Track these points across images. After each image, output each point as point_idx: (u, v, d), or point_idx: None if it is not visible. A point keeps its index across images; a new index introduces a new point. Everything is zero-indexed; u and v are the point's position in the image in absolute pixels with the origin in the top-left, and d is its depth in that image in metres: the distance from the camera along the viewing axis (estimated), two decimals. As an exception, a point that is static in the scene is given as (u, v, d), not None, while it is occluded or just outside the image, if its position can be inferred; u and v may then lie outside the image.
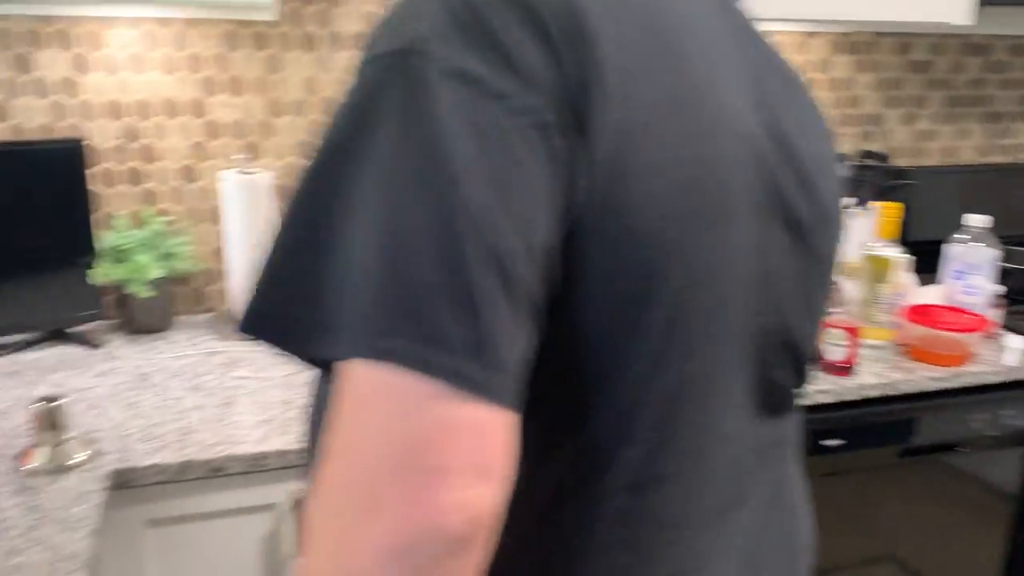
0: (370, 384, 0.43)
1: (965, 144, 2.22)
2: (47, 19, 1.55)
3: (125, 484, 1.17)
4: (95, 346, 1.58)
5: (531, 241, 0.46)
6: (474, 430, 0.43)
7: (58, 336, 1.60)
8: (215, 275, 1.76)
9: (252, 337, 0.50)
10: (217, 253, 1.75)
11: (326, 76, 1.72)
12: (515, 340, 0.45)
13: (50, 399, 1.17)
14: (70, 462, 1.16)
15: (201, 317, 1.74)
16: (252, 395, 1.40)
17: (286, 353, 0.49)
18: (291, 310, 0.48)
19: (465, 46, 0.46)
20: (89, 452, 1.18)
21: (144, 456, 1.19)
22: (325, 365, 0.49)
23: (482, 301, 0.43)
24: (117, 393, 1.39)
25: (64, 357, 1.54)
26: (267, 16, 1.64)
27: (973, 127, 2.22)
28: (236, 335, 1.61)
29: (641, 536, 0.55)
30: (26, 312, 1.55)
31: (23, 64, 1.56)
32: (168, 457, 1.19)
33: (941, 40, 2.11)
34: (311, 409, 0.61)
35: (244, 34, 1.65)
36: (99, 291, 1.59)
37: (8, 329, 1.55)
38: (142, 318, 1.64)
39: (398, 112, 0.46)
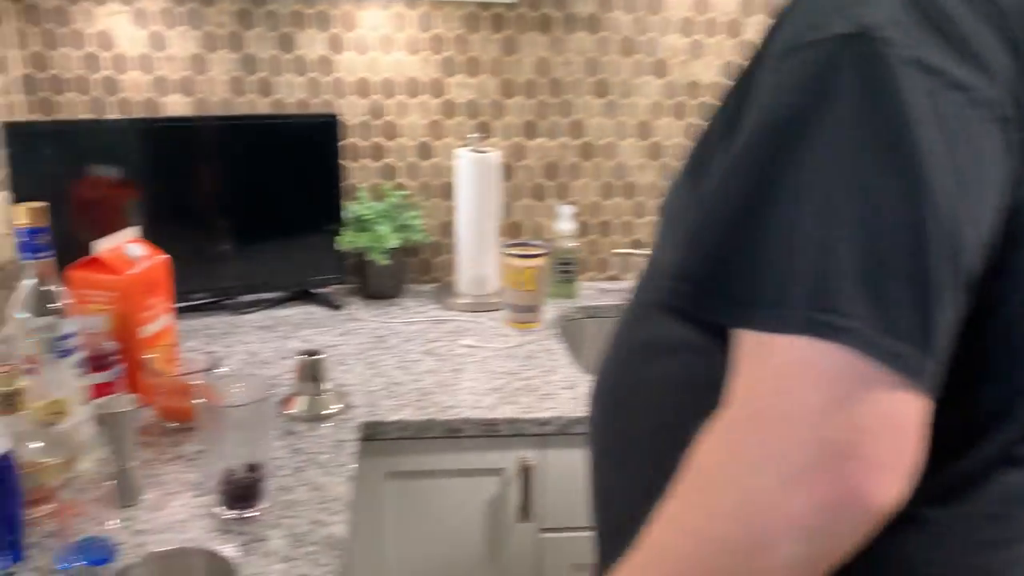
0: (807, 360, 0.44)
1: None
2: (310, 2, 1.67)
3: (371, 436, 1.25)
4: (336, 307, 1.70)
5: (980, 234, 0.45)
6: (905, 421, 0.43)
7: (304, 296, 1.74)
8: (441, 248, 1.85)
9: (676, 300, 0.52)
10: (444, 227, 1.83)
11: (558, 58, 1.75)
12: (949, 332, 0.45)
13: (311, 353, 1.27)
14: (325, 412, 1.26)
15: (427, 287, 1.84)
16: (480, 364, 1.46)
17: (699, 317, 0.51)
18: (718, 279, 0.49)
19: (924, 36, 0.45)
20: (341, 404, 1.29)
21: (389, 412, 1.28)
22: (718, 335, 0.50)
23: (937, 292, 0.43)
24: (360, 352, 1.49)
25: (310, 315, 1.67)
26: (507, -1, 1.70)
27: None
28: (458, 306, 1.69)
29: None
30: (279, 272, 1.70)
31: (286, 43, 1.69)
32: (410, 415, 1.27)
33: None
34: (618, 390, 0.63)
35: (484, 16, 1.71)
36: (342, 257, 1.71)
37: (263, 287, 1.70)
38: (376, 284, 1.75)
39: (856, 95, 0.45)
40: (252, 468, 1.01)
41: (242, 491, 1.00)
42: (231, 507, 1.01)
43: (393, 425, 1.26)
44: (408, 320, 1.65)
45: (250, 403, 0.99)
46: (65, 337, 1.05)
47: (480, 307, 1.71)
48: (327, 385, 1.28)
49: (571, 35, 1.74)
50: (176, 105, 1.69)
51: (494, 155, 1.69)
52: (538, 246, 1.64)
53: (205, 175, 1.61)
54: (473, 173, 1.67)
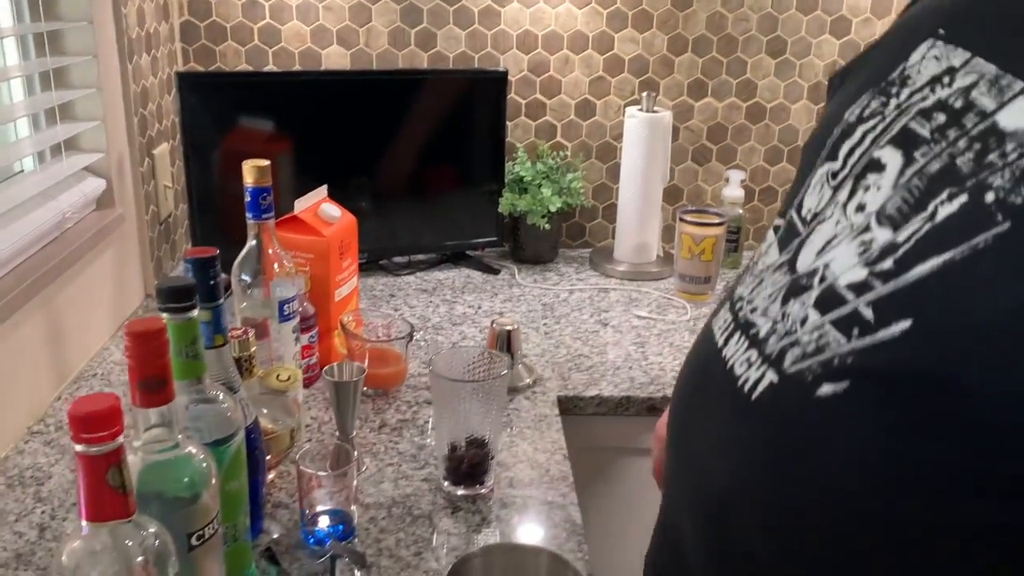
0: None
1: None
2: (477, -50, 1.60)
3: (568, 411, 1.20)
4: (495, 271, 1.65)
5: None
6: None
7: (460, 258, 1.68)
8: (596, 212, 1.78)
9: None
10: (599, 190, 1.76)
11: (733, 14, 1.65)
12: None
13: (505, 323, 1.22)
14: (520, 383, 1.21)
15: (581, 251, 1.77)
16: (661, 336, 1.39)
17: None
18: None
19: None
20: (534, 376, 1.23)
21: (583, 387, 1.22)
22: None
23: None
24: (531, 320, 1.44)
25: (469, 279, 1.62)
26: (683, -51, 1.59)
27: None
28: (618, 273, 1.62)
29: None
30: (435, 233, 1.64)
31: (451, -6, 1.62)
32: (607, 391, 1.22)
33: None
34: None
35: (657, -33, 1.62)
36: (500, 219, 1.65)
37: (417, 248, 1.65)
38: (533, 248, 1.69)
39: None
40: (476, 443, 0.96)
41: (471, 468, 0.96)
42: (458, 483, 0.96)
43: (590, 401, 1.21)
44: (570, 287, 1.59)
45: (489, 378, 0.94)
46: (288, 301, 1.01)
47: (640, 275, 1.64)
48: (520, 356, 1.23)
49: (749, -11, 1.64)
50: (335, 56, 1.64)
51: (666, 115, 1.60)
52: (716, 213, 1.55)
53: (365, 131, 1.56)
54: (643, 134, 1.59)
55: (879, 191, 0.61)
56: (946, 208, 0.56)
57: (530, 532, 0.91)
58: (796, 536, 0.57)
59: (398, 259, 1.66)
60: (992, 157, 0.55)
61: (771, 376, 0.62)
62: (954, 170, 0.57)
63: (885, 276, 0.57)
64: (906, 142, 0.61)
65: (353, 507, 0.88)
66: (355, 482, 0.88)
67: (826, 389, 0.57)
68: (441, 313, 1.46)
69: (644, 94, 1.60)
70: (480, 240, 1.67)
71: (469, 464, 0.96)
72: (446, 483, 0.97)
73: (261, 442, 0.85)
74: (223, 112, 1.46)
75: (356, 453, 0.96)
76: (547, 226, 1.62)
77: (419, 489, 0.97)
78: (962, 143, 0.58)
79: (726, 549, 0.65)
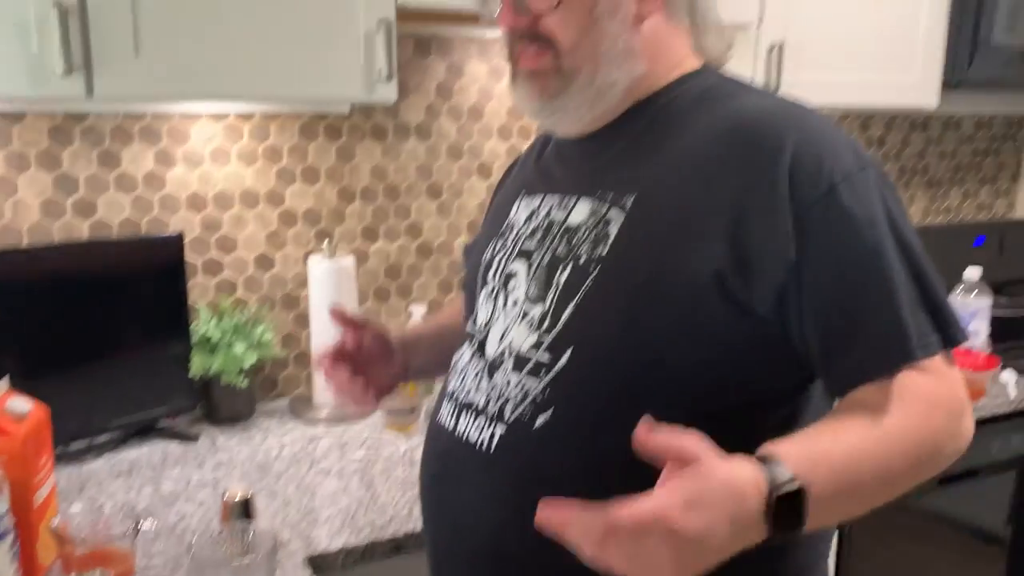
0: (950, 363, 0.78)
1: (912, 209, 2.54)
2: (135, 116, 1.56)
3: (321, 569, 1.18)
4: (191, 439, 1.56)
5: None
6: None
7: (149, 431, 1.57)
8: (287, 361, 1.78)
9: (928, 349, 0.77)
10: (288, 339, 1.77)
11: (393, 164, 1.80)
12: None
13: (237, 493, 1.17)
14: (261, 551, 1.16)
15: (278, 403, 1.75)
16: (384, 474, 1.43)
17: (925, 355, 0.76)
18: (928, 321, 0.77)
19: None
20: (272, 543, 1.19)
21: (327, 540, 1.21)
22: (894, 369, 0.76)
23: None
24: (251, 484, 1.39)
25: (167, 452, 1.51)
26: (340, 109, 1.72)
27: (917, 193, 2.54)
28: (322, 420, 1.63)
29: None
30: (118, 409, 1.52)
31: (110, 160, 1.56)
32: (351, 540, 1.22)
33: (891, 119, 2.43)
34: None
35: (319, 126, 1.72)
36: (190, 383, 1.58)
37: (102, 428, 1.51)
38: (228, 407, 1.63)
39: (898, 201, 0.81)
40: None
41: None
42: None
43: (338, 554, 1.20)
44: (279, 442, 1.56)
45: (256, 559, 0.91)
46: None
47: (344, 417, 1.67)
48: (254, 523, 1.18)
49: (403, 142, 1.80)
50: (-25, 233, 1.47)
51: (348, 260, 1.68)
52: (411, 348, 1.64)
53: (32, 311, 1.42)
54: (329, 280, 1.65)
55: (519, 288, 0.91)
56: (563, 276, 0.86)
57: None
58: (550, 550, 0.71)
59: (77, 444, 1.50)
60: (575, 240, 0.87)
61: (500, 430, 0.86)
62: (557, 257, 0.88)
63: (547, 331, 0.85)
64: (524, 254, 0.92)
65: None
66: None
67: (540, 420, 0.83)
68: (147, 495, 1.35)
69: (325, 242, 1.67)
70: (169, 408, 1.58)
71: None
72: None
73: None
74: None
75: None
76: (244, 383, 1.59)
77: None
78: (555, 241, 0.89)
79: None
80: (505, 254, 0.95)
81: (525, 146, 1.93)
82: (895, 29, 1.89)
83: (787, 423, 0.83)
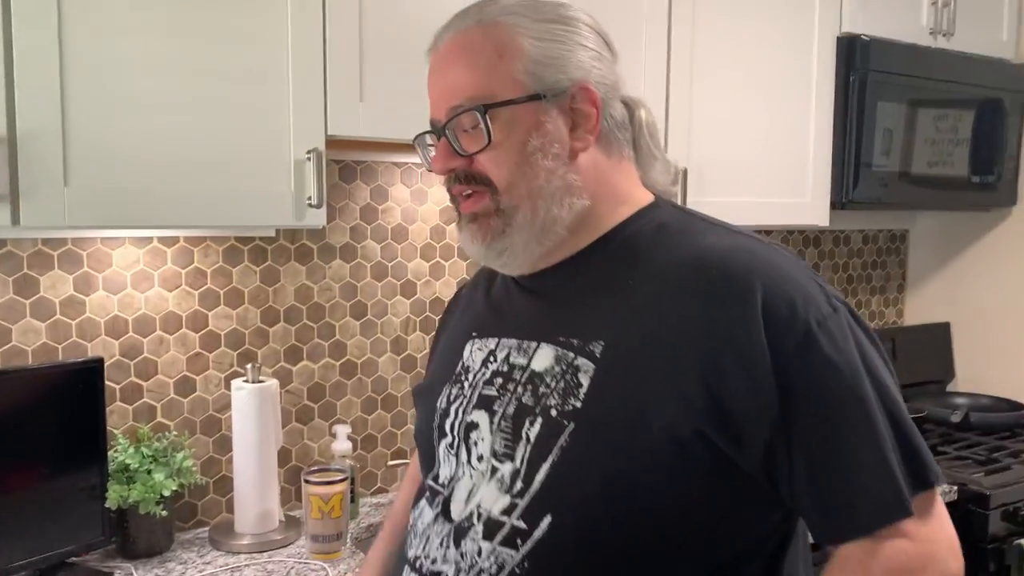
0: (933, 499, 0.79)
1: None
2: (55, 242, 1.55)
3: None
4: (105, 575, 1.49)
5: None
6: None
7: (59, 570, 1.49)
8: (207, 488, 1.73)
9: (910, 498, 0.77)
10: (208, 465, 1.73)
11: (318, 285, 1.82)
12: None
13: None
14: None
15: (198, 532, 1.69)
16: (312, 604, 1.39)
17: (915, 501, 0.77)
18: (911, 468, 0.78)
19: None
20: None
21: None
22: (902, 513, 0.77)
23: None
24: (174, 620, 1.33)
25: (79, 591, 1.44)
26: (266, 233, 1.74)
27: (815, 302, 2.69)
28: (244, 548, 1.58)
29: None
30: (27, 545, 1.44)
31: (28, 286, 1.53)
32: (281, 676, 1.18)
33: (787, 234, 2.60)
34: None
35: (244, 249, 1.73)
36: (105, 515, 1.52)
37: (6, 568, 1.43)
38: (145, 540, 1.57)
39: (870, 338, 0.82)
40: None
41: None
42: None
43: None
44: (200, 574, 1.51)
45: None
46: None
47: (267, 545, 1.62)
48: (180, 664, 1.14)
49: (328, 263, 1.83)
50: None
51: (272, 383, 1.67)
52: (338, 470, 1.63)
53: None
54: (253, 404, 1.63)
55: (483, 442, 0.87)
56: (533, 430, 0.83)
57: None
58: None
59: (-22, 587, 1.41)
60: (542, 389, 0.85)
61: None
62: (524, 406, 0.85)
63: (520, 493, 0.82)
64: (485, 403, 0.89)
65: None
66: None
67: None
68: (58, 639, 1.28)
69: (249, 365, 1.66)
70: (80, 543, 1.51)
71: None
72: None
73: None
74: None
75: None
76: (163, 513, 1.54)
77: None
78: (519, 389, 0.86)
79: None
80: (463, 402, 0.91)
81: (448, 264, 1.99)
82: (787, 157, 2.06)
83: (773, 565, 0.84)
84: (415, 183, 1.92)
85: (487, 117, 0.86)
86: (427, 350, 1.95)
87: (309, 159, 1.43)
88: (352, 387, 1.89)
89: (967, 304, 2.66)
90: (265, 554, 1.59)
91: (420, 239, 1.94)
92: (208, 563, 1.56)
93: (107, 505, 1.50)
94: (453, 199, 0.93)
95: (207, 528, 1.70)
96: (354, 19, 1.46)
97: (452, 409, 0.92)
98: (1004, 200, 2.49)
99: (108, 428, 1.59)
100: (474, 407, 0.90)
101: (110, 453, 1.55)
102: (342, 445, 1.78)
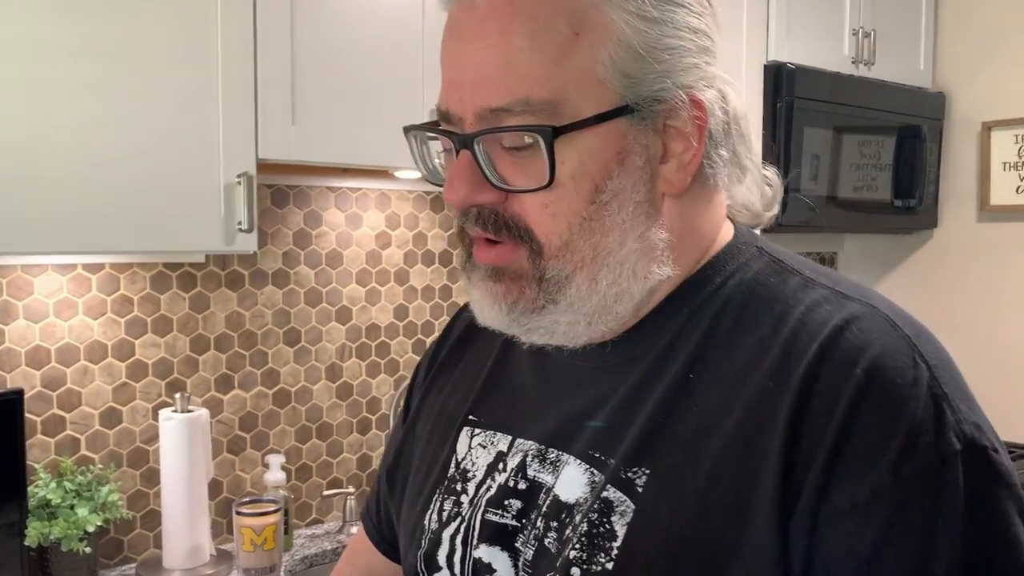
0: None
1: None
2: (-28, 269, 1.50)
3: None
4: (23, 617, 1.42)
5: None
6: None
7: (-27, 613, 1.42)
8: (134, 523, 1.67)
9: None
10: (135, 498, 1.67)
11: (249, 311, 1.79)
12: None
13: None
14: None
15: (124, 569, 1.63)
16: (243, 640, 1.35)
17: None
18: None
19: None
20: None
21: None
22: None
23: None
24: (96, 662, 1.28)
25: (-6, 635, 1.37)
26: (195, 258, 1.70)
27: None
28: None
29: None
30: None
31: (-61, 316, 1.47)
32: None
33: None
34: None
35: (172, 276, 1.69)
36: (24, 553, 1.45)
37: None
38: (67, 578, 1.51)
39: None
40: None
41: None
42: None
43: None
44: (125, 612, 1.45)
45: None
46: None
47: (197, 580, 1.57)
48: None
49: (261, 289, 1.80)
50: None
51: (203, 413, 1.62)
52: (271, 500, 1.59)
53: None
54: (182, 434, 1.58)
55: None
56: None
57: None
58: None
59: None
60: (568, 532, 0.60)
61: None
62: (545, 553, 0.62)
63: None
64: (500, 537, 0.64)
65: None
66: None
67: None
68: None
69: (178, 395, 1.61)
70: (-1, 585, 1.44)
71: None
72: None
73: None
74: None
75: None
76: (87, 550, 1.48)
77: None
78: (541, 524, 0.62)
79: None
80: (462, 527, 0.67)
81: (383, 289, 1.97)
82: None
83: None
84: (350, 207, 1.90)
85: (554, 145, 0.57)
86: (364, 376, 1.93)
87: (239, 183, 1.41)
88: (286, 416, 1.85)
89: (893, 324, 2.74)
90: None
91: (355, 264, 1.92)
92: (134, 601, 1.50)
93: (27, 543, 1.44)
94: (462, 237, 0.65)
95: (134, 565, 1.64)
96: (286, 39, 1.45)
97: (446, 536, 0.68)
98: (925, 223, 2.58)
99: (28, 462, 1.53)
100: (482, 540, 0.65)
101: (30, 488, 1.49)
102: (275, 475, 1.74)
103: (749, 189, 0.69)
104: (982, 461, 0.54)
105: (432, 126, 0.64)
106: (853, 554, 0.53)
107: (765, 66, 2.17)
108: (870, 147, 2.39)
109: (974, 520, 0.53)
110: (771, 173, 0.71)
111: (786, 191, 2.44)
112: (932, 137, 2.51)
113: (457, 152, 0.61)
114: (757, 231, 0.72)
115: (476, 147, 0.59)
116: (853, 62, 2.35)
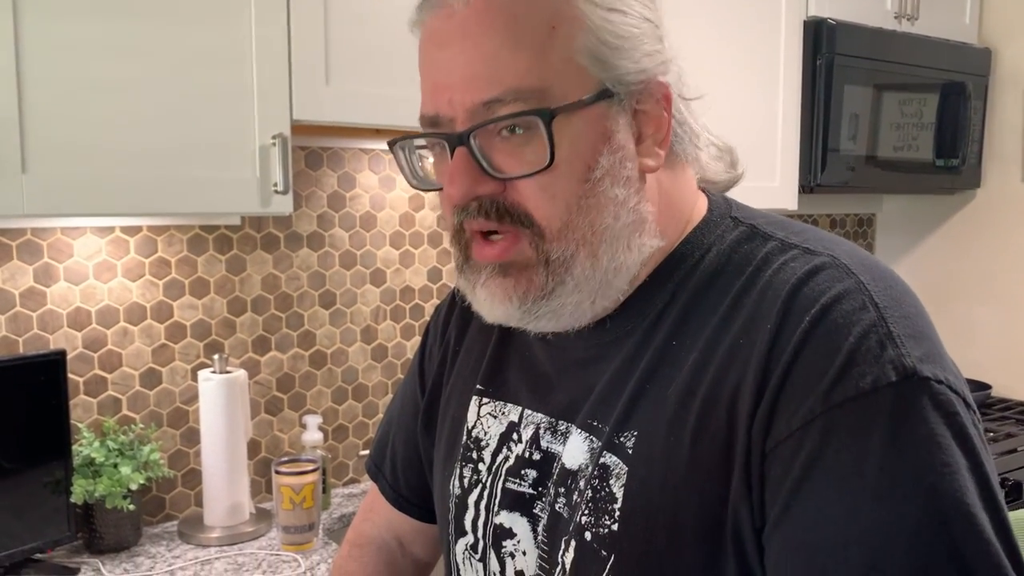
0: None
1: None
2: (14, 231, 1.51)
3: None
4: (71, 572, 1.46)
5: None
6: None
7: (23, 567, 1.46)
8: (175, 481, 1.70)
9: None
10: (175, 458, 1.70)
11: (285, 274, 1.80)
12: None
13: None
14: None
15: (166, 526, 1.66)
16: (284, 595, 1.38)
17: None
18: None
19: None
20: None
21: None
22: None
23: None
24: (143, 615, 1.31)
25: (44, 588, 1.41)
26: (231, 220, 1.71)
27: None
28: (214, 541, 1.56)
29: None
30: (-11, 544, 1.41)
31: (-16, 278, 1.49)
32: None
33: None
34: None
35: (208, 238, 1.70)
36: (71, 510, 1.49)
37: (-31, 566, 1.40)
38: (112, 535, 1.54)
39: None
40: None
41: None
42: None
43: None
44: (169, 568, 1.48)
45: None
46: None
47: (238, 538, 1.60)
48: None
49: (296, 252, 1.81)
50: None
51: (241, 374, 1.64)
52: (309, 460, 1.61)
53: None
54: (221, 395, 1.60)
55: (526, 556, 0.69)
56: (568, 555, 0.65)
57: None
58: None
59: (-61, 587, 1.38)
60: (575, 497, 0.65)
61: None
62: (558, 519, 0.67)
63: None
64: (520, 504, 0.70)
65: None
66: None
67: None
68: (23, 638, 1.25)
69: (216, 356, 1.63)
70: (46, 539, 1.48)
71: None
72: None
73: None
74: None
75: None
76: (131, 507, 1.51)
77: None
78: (553, 491, 0.67)
79: None
80: (483, 494, 0.72)
81: (418, 252, 1.97)
82: (756, 141, 2.07)
83: None
84: (383, 170, 1.90)
85: (552, 126, 0.60)
86: (398, 339, 1.94)
87: (274, 144, 1.40)
88: (322, 377, 1.86)
89: (933, 286, 2.69)
90: (236, 547, 1.57)
91: (389, 227, 1.92)
92: (177, 557, 1.53)
93: (72, 500, 1.47)
94: (459, 237, 0.67)
95: (176, 522, 1.68)
96: None
97: (471, 502, 0.73)
98: (968, 183, 2.52)
99: (72, 422, 1.56)
100: (503, 507, 0.70)
101: (74, 447, 1.52)
102: (313, 435, 1.76)
103: (709, 154, 0.75)
104: (920, 391, 0.56)
105: (421, 134, 0.67)
106: (788, 477, 0.57)
107: (805, 22, 2.11)
108: (911, 105, 2.33)
109: (901, 446, 0.55)
110: (714, 136, 0.77)
111: (824, 151, 2.40)
112: (977, 95, 2.44)
113: (452, 152, 0.63)
114: (730, 194, 0.78)
115: (472, 142, 0.63)
116: (896, 17, 2.28)
